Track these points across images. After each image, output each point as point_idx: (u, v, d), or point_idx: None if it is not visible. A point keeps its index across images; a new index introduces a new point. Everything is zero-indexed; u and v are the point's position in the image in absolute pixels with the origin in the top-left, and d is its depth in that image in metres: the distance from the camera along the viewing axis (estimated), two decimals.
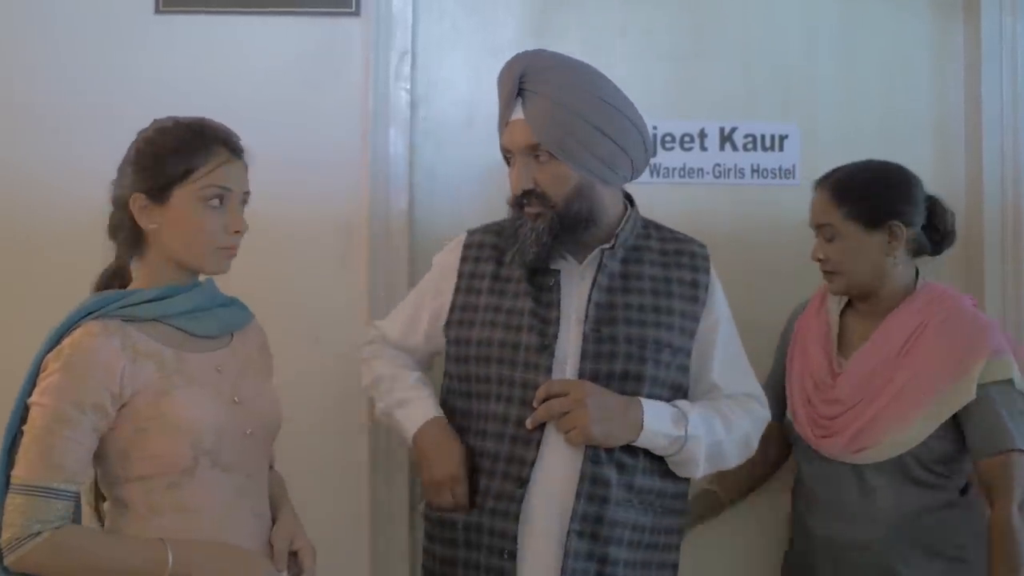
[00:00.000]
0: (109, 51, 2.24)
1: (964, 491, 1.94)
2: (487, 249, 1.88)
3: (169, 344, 1.52)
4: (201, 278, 1.61)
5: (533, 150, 1.75)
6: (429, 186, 2.29)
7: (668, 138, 2.29)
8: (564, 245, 1.77)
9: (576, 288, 1.79)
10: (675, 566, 1.81)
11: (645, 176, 2.24)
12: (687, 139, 2.28)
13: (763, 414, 1.86)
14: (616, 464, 1.71)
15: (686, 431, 1.72)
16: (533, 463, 1.70)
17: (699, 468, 1.76)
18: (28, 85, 2.23)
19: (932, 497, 1.90)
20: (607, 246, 1.80)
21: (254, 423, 1.58)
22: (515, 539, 1.68)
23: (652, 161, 2.27)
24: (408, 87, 2.25)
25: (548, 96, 1.74)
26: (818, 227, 1.98)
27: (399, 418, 1.85)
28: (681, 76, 2.31)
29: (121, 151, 1.56)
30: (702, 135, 2.28)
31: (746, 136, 2.28)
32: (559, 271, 1.80)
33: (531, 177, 1.75)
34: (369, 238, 2.22)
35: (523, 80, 1.76)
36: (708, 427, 1.75)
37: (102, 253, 1.59)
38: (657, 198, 2.24)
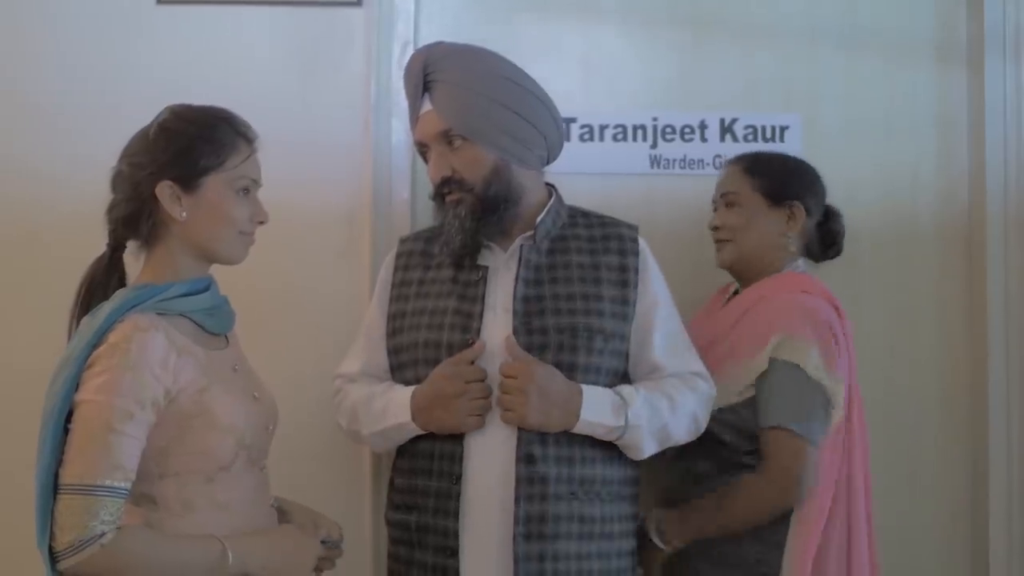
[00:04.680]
0: (111, 42, 2.24)
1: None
2: (416, 256, 1.90)
3: (196, 340, 1.50)
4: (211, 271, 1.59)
5: (445, 136, 1.76)
6: None
7: (668, 130, 2.28)
8: (487, 229, 1.77)
9: (501, 281, 1.79)
10: (632, 553, 1.81)
11: (645, 167, 2.28)
12: (687, 130, 2.28)
13: (708, 391, 1.84)
14: (553, 459, 1.70)
15: (626, 421, 1.71)
16: (461, 458, 1.71)
17: (642, 452, 1.77)
18: (29, 77, 2.24)
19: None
20: (527, 234, 1.80)
21: (270, 419, 1.59)
22: (456, 536, 1.69)
23: (652, 152, 2.27)
24: None
25: (452, 82, 1.77)
26: (723, 195, 2.03)
27: (389, 422, 1.79)
28: (682, 68, 2.31)
29: (123, 142, 1.54)
30: (702, 126, 2.28)
31: (747, 127, 2.27)
32: (487, 267, 1.80)
33: (448, 165, 1.77)
34: (371, 228, 2.22)
35: (426, 72, 1.78)
36: (652, 411, 1.74)
37: (101, 242, 1.56)
38: (657, 189, 2.26)
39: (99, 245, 1.58)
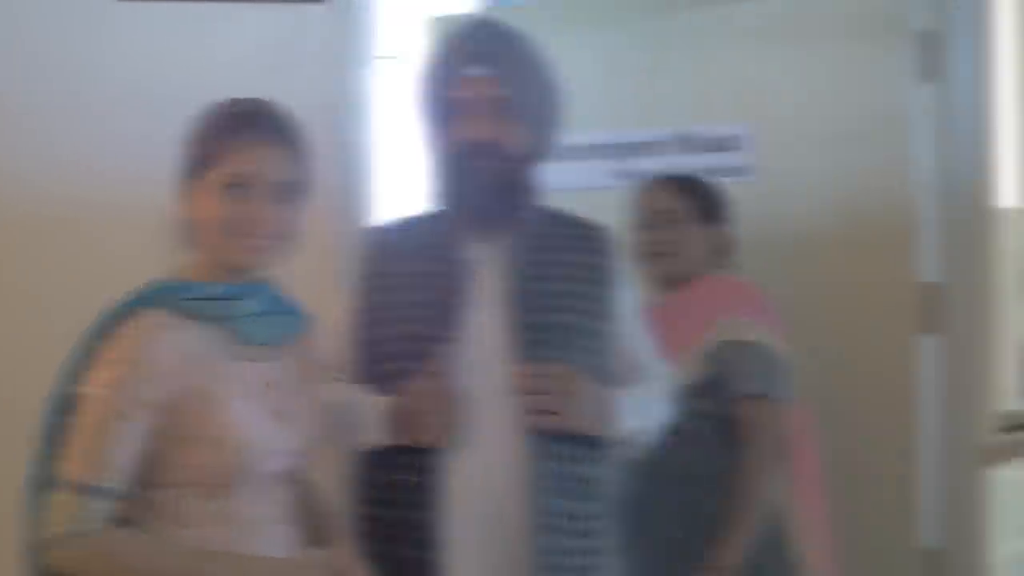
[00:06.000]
0: (70, 39, 2.17)
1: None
2: (388, 247, 1.84)
3: (223, 348, 1.41)
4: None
5: (499, 103, 1.75)
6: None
7: (630, 146, 2.37)
8: (491, 210, 1.77)
9: (486, 275, 1.76)
10: (614, 551, 1.81)
11: (610, 182, 2.35)
12: (647, 146, 2.37)
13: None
14: (555, 456, 1.70)
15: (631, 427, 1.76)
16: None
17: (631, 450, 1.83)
18: None
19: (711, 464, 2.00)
20: (513, 232, 1.82)
21: (297, 441, 1.49)
22: (440, 529, 1.66)
23: (616, 167, 2.36)
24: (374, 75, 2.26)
25: (520, 59, 1.77)
26: (661, 213, 2.11)
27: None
28: (640, 87, 2.38)
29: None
30: (659, 142, 2.36)
31: (702, 139, 2.36)
32: (469, 260, 1.76)
33: (490, 130, 1.74)
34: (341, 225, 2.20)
35: (493, 40, 1.78)
36: (646, 416, 1.80)
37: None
38: (618, 202, 2.30)
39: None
